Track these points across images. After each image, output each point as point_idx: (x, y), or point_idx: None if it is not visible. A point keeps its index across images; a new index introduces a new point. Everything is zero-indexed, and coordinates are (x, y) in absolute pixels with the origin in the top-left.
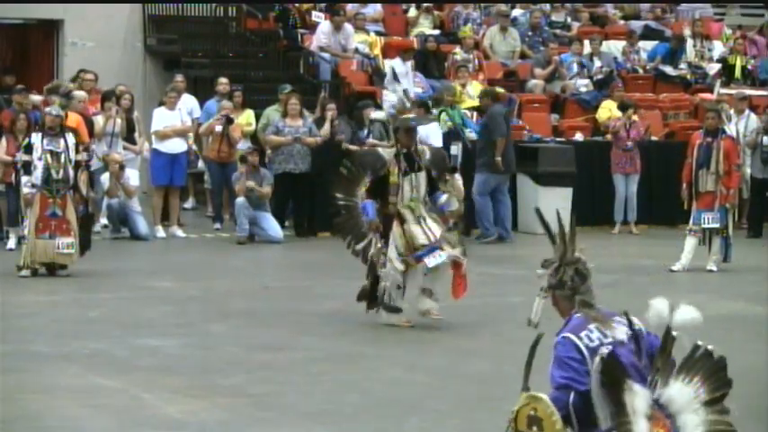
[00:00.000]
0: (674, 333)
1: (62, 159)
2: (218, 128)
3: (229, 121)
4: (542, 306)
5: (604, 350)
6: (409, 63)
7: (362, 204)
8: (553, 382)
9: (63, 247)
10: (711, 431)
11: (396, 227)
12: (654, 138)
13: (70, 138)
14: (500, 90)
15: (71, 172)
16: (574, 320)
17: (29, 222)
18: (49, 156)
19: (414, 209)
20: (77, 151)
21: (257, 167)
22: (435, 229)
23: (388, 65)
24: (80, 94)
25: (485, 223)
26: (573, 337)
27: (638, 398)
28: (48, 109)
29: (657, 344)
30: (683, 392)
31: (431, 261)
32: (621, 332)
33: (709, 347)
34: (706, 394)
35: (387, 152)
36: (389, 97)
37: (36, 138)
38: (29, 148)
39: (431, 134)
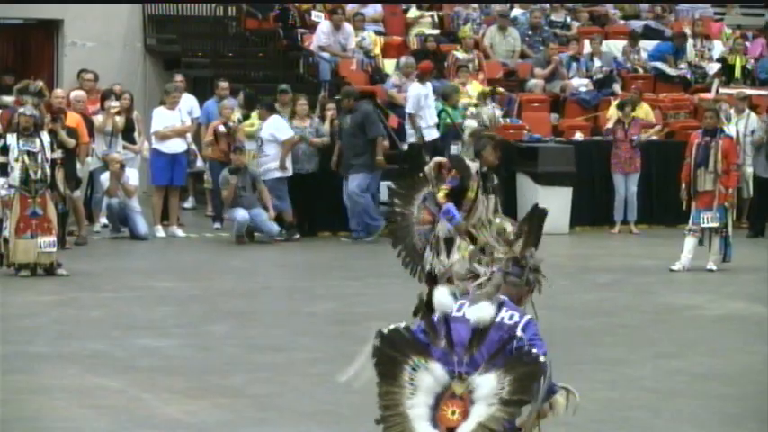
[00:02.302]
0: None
1: (39, 159)
2: (221, 128)
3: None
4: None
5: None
6: (429, 84)
7: (445, 208)
8: None
9: (45, 246)
10: (483, 423)
11: (462, 245)
12: (653, 137)
13: (45, 137)
14: (500, 89)
15: (48, 171)
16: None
17: (9, 223)
18: (26, 156)
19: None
20: (53, 150)
21: (245, 168)
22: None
23: (411, 92)
24: (79, 93)
25: (370, 218)
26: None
27: (428, 375)
28: (21, 109)
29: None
30: (488, 384)
31: None
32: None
33: (540, 357)
34: (507, 393)
35: (472, 165)
36: (469, 123)
37: (11, 139)
38: (5, 150)
39: (277, 131)
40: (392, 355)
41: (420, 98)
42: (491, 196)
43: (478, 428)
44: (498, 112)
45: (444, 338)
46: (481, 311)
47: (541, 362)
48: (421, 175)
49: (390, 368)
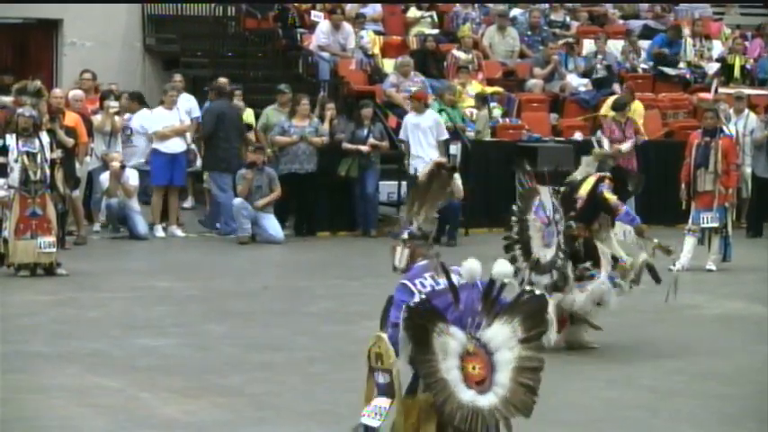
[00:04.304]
0: (502, 282)
1: (38, 160)
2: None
3: (249, 127)
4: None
5: (416, 298)
6: (429, 112)
7: (626, 210)
8: (389, 321)
9: (45, 247)
10: (521, 366)
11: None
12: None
13: (44, 137)
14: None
15: (47, 171)
16: (414, 269)
17: (9, 224)
18: (25, 157)
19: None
20: (52, 150)
21: (262, 167)
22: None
23: (404, 122)
24: (78, 93)
25: (228, 220)
26: (408, 283)
27: (451, 339)
28: (20, 110)
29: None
30: (501, 332)
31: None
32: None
33: (536, 292)
34: (522, 333)
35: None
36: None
37: (10, 139)
38: (4, 150)
39: (146, 123)
40: (421, 324)
41: (407, 127)
42: None
43: (515, 372)
44: (498, 112)
45: (483, 302)
46: (503, 266)
47: (542, 295)
48: (533, 185)
49: (422, 336)
